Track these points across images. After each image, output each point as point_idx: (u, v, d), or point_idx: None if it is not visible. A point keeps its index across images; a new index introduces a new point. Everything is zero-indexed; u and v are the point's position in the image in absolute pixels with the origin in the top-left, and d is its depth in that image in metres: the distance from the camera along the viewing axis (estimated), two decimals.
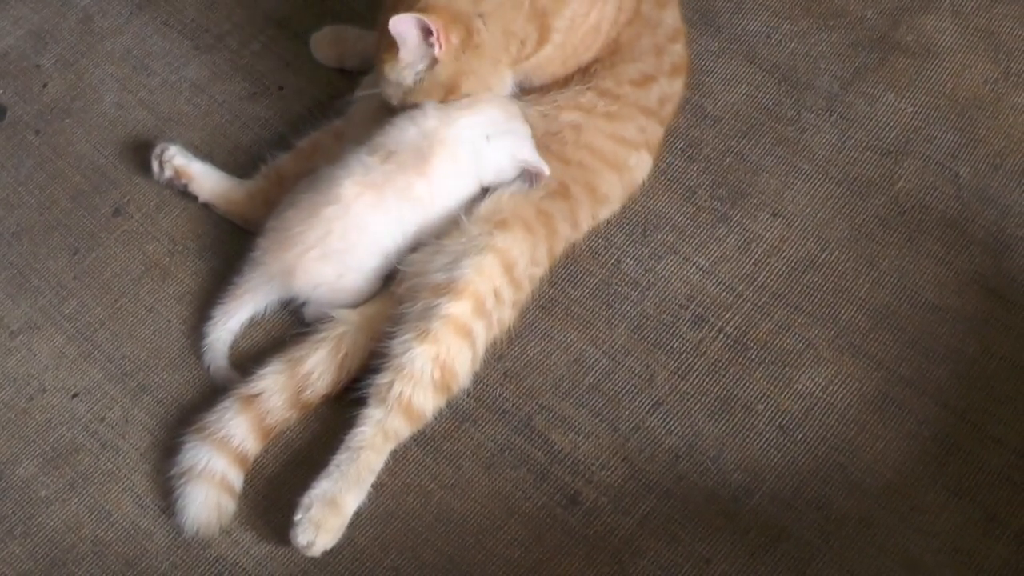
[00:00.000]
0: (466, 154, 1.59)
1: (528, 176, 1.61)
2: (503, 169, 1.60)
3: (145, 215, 1.79)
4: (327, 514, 1.46)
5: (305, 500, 1.47)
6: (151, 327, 1.69)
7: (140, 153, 1.83)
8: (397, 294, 1.58)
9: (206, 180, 1.74)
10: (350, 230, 1.57)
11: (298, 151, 1.74)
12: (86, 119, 1.89)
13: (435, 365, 1.50)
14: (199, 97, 1.90)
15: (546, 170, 1.60)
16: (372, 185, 1.58)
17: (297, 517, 1.46)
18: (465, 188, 1.61)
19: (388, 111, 1.70)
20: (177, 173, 1.75)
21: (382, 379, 1.51)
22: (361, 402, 1.53)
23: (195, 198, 1.76)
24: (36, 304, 1.72)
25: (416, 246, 1.60)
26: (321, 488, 1.47)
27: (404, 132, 1.60)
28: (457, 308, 1.51)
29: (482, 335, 1.55)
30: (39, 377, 1.66)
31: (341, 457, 1.49)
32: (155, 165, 1.76)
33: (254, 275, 1.63)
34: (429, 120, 1.59)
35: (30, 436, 1.62)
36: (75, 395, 1.65)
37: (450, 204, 1.61)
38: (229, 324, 1.63)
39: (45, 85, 1.94)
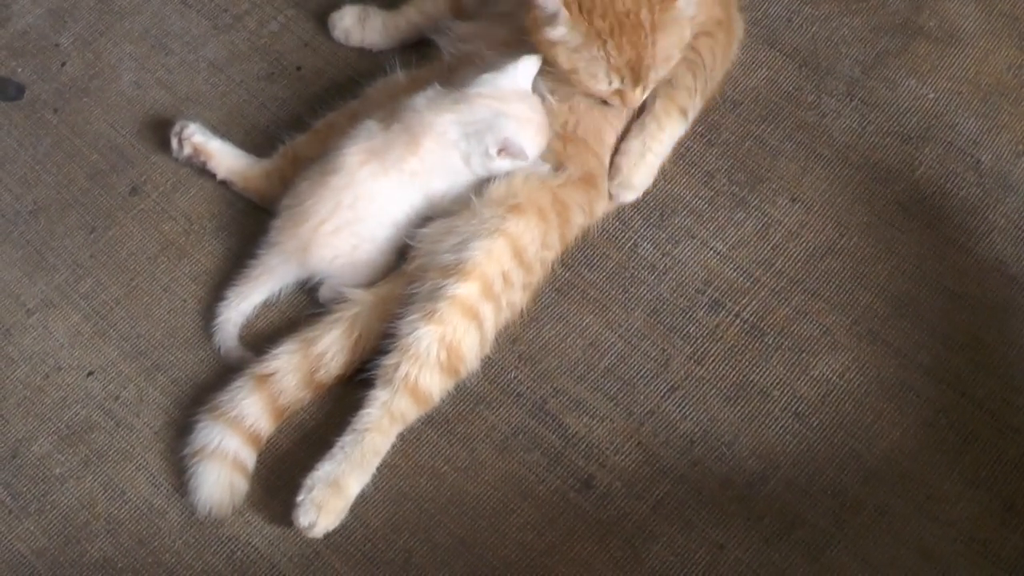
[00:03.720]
0: (450, 147, 1.58)
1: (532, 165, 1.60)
2: (491, 166, 1.59)
3: (162, 194, 1.79)
4: (329, 496, 1.46)
5: (308, 481, 1.47)
6: (167, 306, 1.69)
7: (157, 132, 1.83)
8: (407, 273, 1.58)
9: (224, 158, 1.75)
10: (358, 200, 1.58)
11: (314, 132, 1.74)
12: (104, 98, 1.90)
13: (441, 346, 1.50)
14: (217, 77, 1.90)
15: (528, 157, 1.58)
16: (373, 152, 1.58)
17: (299, 498, 1.46)
18: (458, 173, 1.60)
19: (403, 94, 1.70)
20: (196, 151, 1.75)
21: (389, 360, 1.51)
22: (371, 384, 1.52)
23: (212, 177, 1.76)
24: (52, 282, 1.73)
25: (427, 221, 1.60)
26: (324, 470, 1.47)
27: (408, 105, 1.60)
28: (464, 289, 1.51)
29: (490, 317, 1.54)
30: (55, 355, 1.67)
31: (346, 439, 1.49)
32: (174, 142, 1.76)
33: (269, 256, 1.63)
34: (424, 104, 1.59)
35: (45, 414, 1.62)
36: (90, 373, 1.65)
37: (449, 182, 1.60)
38: (241, 306, 1.63)
39: (63, 64, 1.94)
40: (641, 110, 1.68)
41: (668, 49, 1.57)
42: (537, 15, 1.54)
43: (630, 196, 1.67)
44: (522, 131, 1.57)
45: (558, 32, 1.53)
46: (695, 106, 1.70)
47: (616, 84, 1.57)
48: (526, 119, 1.59)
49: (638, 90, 1.59)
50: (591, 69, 1.56)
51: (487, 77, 1.60)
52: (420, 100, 1.60)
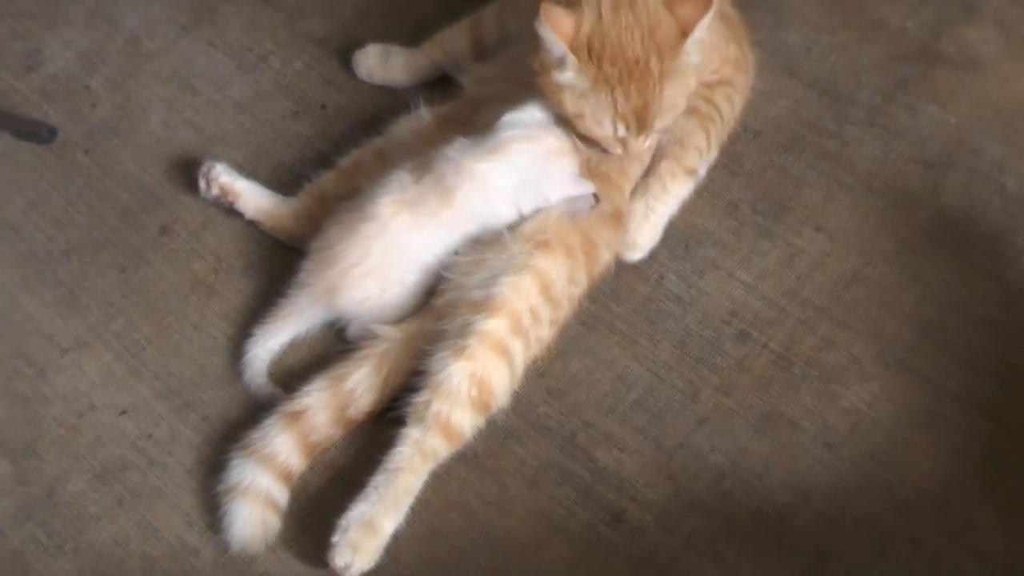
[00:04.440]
0: (494, 197, 1.59)
1: (578, 203, 1.59)
2: (540, 204, 1.60)
3: (191, 233, 1.81)
4: (364, 537, 1.46)
5: (342, 522, 1.47)
6: (197, 344, 1.71)
7: (186, 172, 1.85)
8: (436, 308, 1.59)
9: (251, 197, 1.76)
10: (389, 249, 1.59)
11: (340, 169, 1.75)
12: (133, 139, 1.92)
13: (472, 382, 1.50)
14: (243, 116, 1.93)
15: (590, 190, 1.59)
16: (407, 204, 1.59)
17: (335, 539, 1.46)
18: (497, 219, 1.60)
19: (428, 131, 1.71)
20: (223, 190, 1.77)
21: (420, 398, 1.51)
22: (401, 421, 1.53)
23: (240, 216, 1.78)
24: (85, 322, 1.75)
25: (458, 250, 1.60)
26: (358, 511, 1.47)
27: (441, 157, 1.60)
28: (493, 325, 1.51)
29: (520, 353, 1.55)
30: (88, 394, 1.68)
31: (379, 479, 1.49)
32: (202, 183, 1.78)
33: (299, 296, 1.64)
34: (456, 154, 1.59)
35: (80, 452, 1.64)
36: (123, 412, 1.67)
37: (486, 224, 1.61)
38: (269, 344, 1.65)
39: (94, 106, 1.97)
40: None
41: (674, 98, 1.57)
42: (545, 58, 1.54)
43: (635, 255, 1.69)
44: (568, 167, 1.59)
45: (566, 76, 1.53)
46: (708, 161, 1.72)
47: (621, 132, 1.57)
48: (563, 150, 1.60)
49: (641, 138, 1.59)
50: (597, 115, 1.56)
51: (508, 119, 1.60)
52: (451, 151, 1.60)
